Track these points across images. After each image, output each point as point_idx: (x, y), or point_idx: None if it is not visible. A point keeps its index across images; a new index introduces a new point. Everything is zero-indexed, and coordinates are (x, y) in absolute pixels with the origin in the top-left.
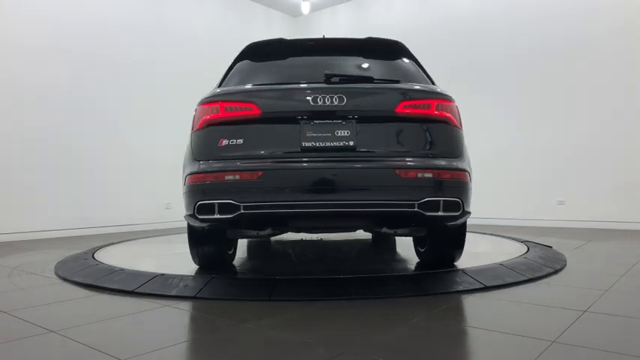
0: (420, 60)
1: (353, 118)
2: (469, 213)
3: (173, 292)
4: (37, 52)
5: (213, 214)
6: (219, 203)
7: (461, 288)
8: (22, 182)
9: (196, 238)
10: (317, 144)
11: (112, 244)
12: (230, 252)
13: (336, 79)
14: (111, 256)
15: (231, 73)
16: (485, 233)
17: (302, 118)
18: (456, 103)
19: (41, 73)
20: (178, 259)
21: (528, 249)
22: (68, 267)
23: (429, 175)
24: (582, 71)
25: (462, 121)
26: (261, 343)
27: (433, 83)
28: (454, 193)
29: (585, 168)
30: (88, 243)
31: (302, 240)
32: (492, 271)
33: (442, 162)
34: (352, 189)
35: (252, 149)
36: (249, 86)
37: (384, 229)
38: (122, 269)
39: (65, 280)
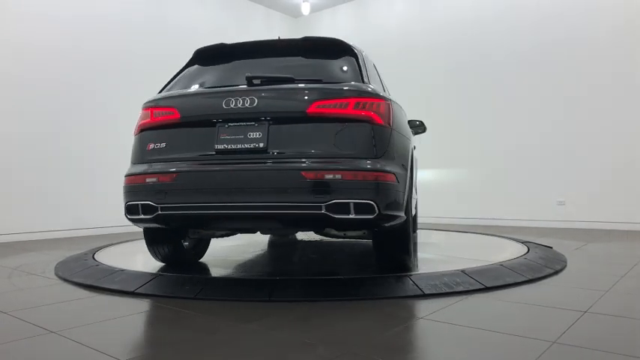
0: (366, 57)
1: (265, 120)
2: (399, 217)
3: (173, 293)
4: (38, 51)
5: (138, 214)
6: (141, 204)
7: (461, 288)
8: (22, 182)
9: (149, 237)
10: (230, 146)
11: (113, 244)
12: (194, 249)
13: (257, 81)
14: (111, 257)
15: (177, 78)
16: (485, 234)
17: (217, 121)
18: (390, 101)
19: (41, 72)
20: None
21: (528, 249)
22: (68, 267)
23: (337, 176)
24: (582, 72)
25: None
26: (261, 344)
27: (367, 82)
28: (366, 195)
29: (585, 168)
30: (88, 243)
31: (302, 241)
32: (493, 271)
33: (355, 163)
34: (259, 191)
35: (172, 152)
36: (173, 92)
37: (333, 231)
38: (122, 270)
39: (65, 280)
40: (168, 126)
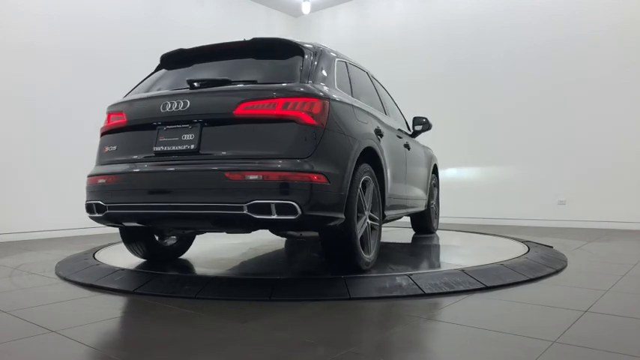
0: (324, 57)
1: (198, 122)
2: (333, 218)
3: (173, 293)
4: (37, 51)
5: (93, 212)
6: (94, 203)
7: (461, 288)
8: (22, 182)
9: (123, 235)
10: (166, 148)
11: (113, 244)
12: (175, 245)
13: (197, 85)
14: (111, 256)
15: (141, 83)
16: (486, 233)
17: (157, 125)
18: (328, 101)
19: (41, 72)
20: (178, 260)
21: (529, 249)
22: (69, 267)
23: (257, 177)
24: (583, 71)
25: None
26: (261, 343)
27: (311, 82)
28: (287, 195)
29: (586, 168)
30: (88, 243)
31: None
32: (493, 271)
33: (277, 163)
34: (188, 191)
35: (120, 155)
36: (125, 97)
37: (291, 232)
38: (122, 269)
39: (66, 280)
40: (119, 130)
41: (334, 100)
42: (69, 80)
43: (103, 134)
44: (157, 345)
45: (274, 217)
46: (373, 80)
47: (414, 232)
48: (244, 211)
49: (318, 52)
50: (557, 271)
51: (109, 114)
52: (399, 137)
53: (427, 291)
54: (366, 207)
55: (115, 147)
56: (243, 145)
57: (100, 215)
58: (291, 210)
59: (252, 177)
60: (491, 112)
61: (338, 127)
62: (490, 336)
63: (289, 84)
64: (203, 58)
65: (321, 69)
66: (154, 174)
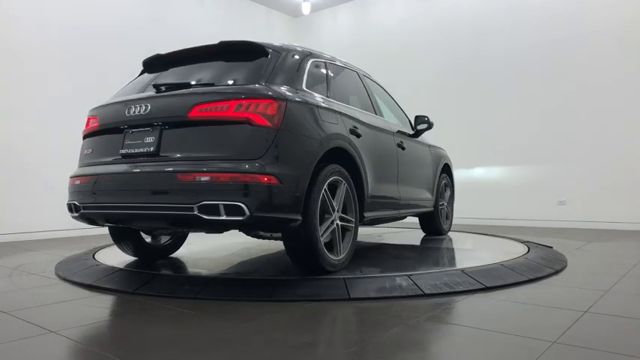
0: (288, 57)
1: (158, 125)
2: (288, 219)
3: (173, 293)
4: (38, 52)
5: (72, 212)
6: (72, 204)
7: (461, 288)
8: (22, 182)
9: (111, 235)
10: (130, 151)
11: (113, 244)
12: (164, 244)
13: (161, 89)
14: (111, 257)
15: (123, 88)
16: (485, 234)
17: (124, 128)
18: (287, 102)
19: (41, 73)
20: (178, 260)
21: (529, 249)
22: (68, 267)
23: (207, 178)
24: (583, 71)
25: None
26: (261, 343)
27: (269, 83)
28: (234, 196)
29: (586, 168)
30: (88, 243)
31: None
32: (493, 271)
33: (227, 164)
34: (146, 192)
35: (94, 157)
36: (102, 102)
37: (261, 233)
38: (122, 269)
39: (65, 280)
40: (94, 133)
41: (292, 100)
42: (69, 81)
43: (83, 137)
44: (156, 345)
45: (223, 217)
46: (365, 80)
47: (424, 234)
48: (194, 212)
49: (286, 53)
50: (557, 272)
51: (88, 118)
52: (391, 137)
53: (427, 291)
54: (334, 208)
55: (91, 150)
56: (198, 147)
57: (77, 215)
58: (239, 211)
59: (202, 178)
60: (491, 112)
61: (295, 127)
62: (490, 336)
63: (243, 86)
64: (178, 62)
65: (286, 70)
66: (118, 176)
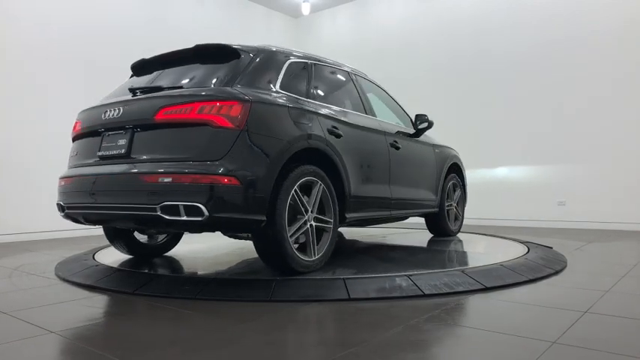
0: (254, 59)
1: (130, 128)
2: (251, 220)
3: (173, 293)
4: (38, 52)
5: (60, 211)
6: (58, 203)
7: (461, 289)
8: (22, 182)
9: (105, 234)
10: (106, 153)
11: (117, 249)
12: (158, 243)
13: (137, 92)
14: (111, 257)
15: (112, 91)
16: (485, 234)
17: (102, 131)
18: (251, 103)
19: (42, 73)
20: (178, 260)
21: (529, 250)
22: (68, 268)
23: (169, 179)
24: (582, 72)
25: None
26: (261, 343)
27: (237, 84)
28: (193, 197)
29: (586, 168)
30: (88, 244)
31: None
32: (493, 271)
33: (187, 166)
34: (116, 193)
35: (78, 159)
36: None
37: (239, 234)
38: (122, 270)
39: (65, 281)
40: (79, 136)
41: (258, 101)
42: (69, 81)
43: (72, 140)
44: (156, 345)
45: (184, 218)
46: (357, 79)
47: (431, 235)
48: (157, 213)
49: (260, 55)
50: (556, 272)
51: (76, 122)
52: (382, 137)
53: (427, 292)
54: (308, 209)
55: (76, 152)
56: (164, 148)
57: (63, 214)
58: (197, 212)
59: (164, 180)
60: (491, 112)
61: (259, 128)
62: (490, 336)
63: (208, 88)
64: (160, 66)
65: (258, 71)
66: (94, 177)
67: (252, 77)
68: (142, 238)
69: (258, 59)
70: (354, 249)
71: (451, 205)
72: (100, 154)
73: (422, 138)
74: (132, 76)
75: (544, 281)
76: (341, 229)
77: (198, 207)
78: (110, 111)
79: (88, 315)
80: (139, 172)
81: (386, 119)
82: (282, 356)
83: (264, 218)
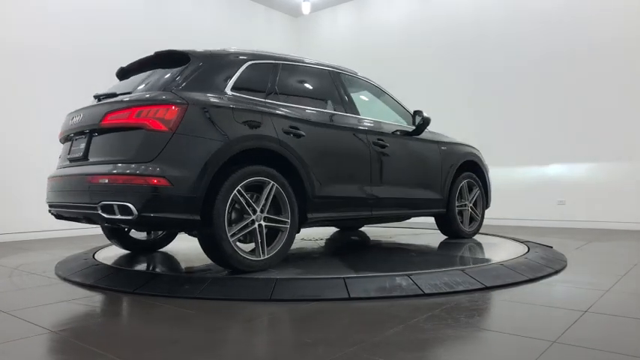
0: (204, 63)
1: (87, 133)
2: (180, 220)
3: (173, 292)
4: (39, 52)
5: (48, 209)
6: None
7: (461, 288)
8: (22, 182)
9: (102, 230)
10: (73, 156)
11: (112, 244)
12: (154, 239)
13: (101, 98)
14: (111, 257)
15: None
16: (485, 233)
17: (72, 136)
18: (187, 106)
19: (42, 73)
20: (178, 260)
21: (529, 249)
22: (68, 267)
23: (106, 180)
24: (583, 72)
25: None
26: (261, 343)
27: (182, 88)
28: (124, 197)
29: (586, 168)
30: (88, 243)
31: (302, 240)
32: (493, 271)
33: (122, 167)
34: (71, 193)
35: (59, 161)
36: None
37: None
38: (122, 269)
39: (65, 280)
40: (61, 140)
41: (196, 104)
42: (69, 81)
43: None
44: (156, 345)
45: (118, 217)
46: (338, 78)
47: (444, 237)
48: (98, 211)
49: (211, 59)
50: (557, 272)
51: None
52: (363, 135)
53: (427, 291)
54: (256, 209)
55: (60, 154)
56: (109, 151)
57: (49, 211)
58: (128, 211)
59: (103, 180)
60: (491, 112)
61: (194, 130)
62: (490, 336)
63: (149, 93)
64: (132, 73)
65: (206, 74)
66: (63, 178)
67: (198, 80)
68: (140, 235)
69: (208, 63)
70: (356, 249)
71: (465, 205)
72: (69, 156)
73: (425, 135)
74: (118, 82)
75: (544, 281)
76: (364, 229)
77: (128, 206)
78: (75, 117)
79: (88, 314)
80: (87, 173)
81: (384, 118)
82: (282, 356)
83: (198, 218)
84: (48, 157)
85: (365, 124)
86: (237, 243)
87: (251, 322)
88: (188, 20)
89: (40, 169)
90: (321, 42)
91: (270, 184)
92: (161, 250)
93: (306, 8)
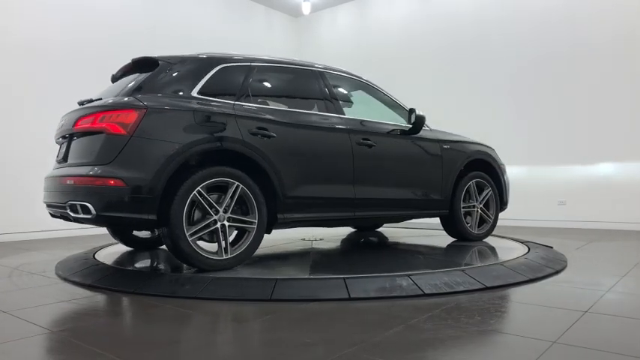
0: (172, 68)
1: (67, 137)
2: (135, 218)
3: (173, 292)
4: (39, 52)
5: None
6: None
7: (461, 288)
8: (22, 182)
9: (107, 227)
10: (59, 158)
11: (113, 244)
12: (152, 237)
13: (82, 104)
14: (111, 256)
15: None
16: None
17: (59, 139)
18: (146, 110)
19: (42, 73)
20: (178, 260)
21: (529, 249)
22: (68, 267)
23: (72, 182)
24: (583, 71)
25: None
26: (261, 344)
27: (146, 93)
28: (84, 197)
29: (586, 168)
30: (88, 243)
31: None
32: (493, 271)
33: (84, 169)
34: (53, 193)
35: (54, 163)
36: None
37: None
38: (122, 269)
39: (66, 280)
40: (56, 142)
41: (156, 108)
42: (69, 81)
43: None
44: (156, 345)
45: (81, 215)
46: (324, 78)
47: (453, 239)
48: (67, 210)
49: (180, 64)
50: (557, 272)
51: None
52: (345, 134)
53: (427, 291)
54: (219, 209)
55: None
56: (79, 154)
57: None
58: (87, 210)
59: (70, 182)
60: (491, 111)
61: (151, 133)
62: (490, 336)
63: (111, 98)
64: (119, 79)
65: (172, 79)
66: (49, 178)
67: (164, 85)
68: (143, 233)
69: (177, 68)
70: (357, 249)
71: (474, 206)
72: (57, 158)
73: (424, 134)
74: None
75: (544, 281)
76: (381, 230)
77: (87, 206)
78: (62, 121)
79: (88, 314)
80: (62, 175)
81: (382, 117)
82: (283, 356)
83: (154, 218)
84: (48, 157)
85: (348, 123)
86: (200, 242)
87: (251, 322)
88: (188, 20)
89: (40, 169)
90: (321, 42)
91: (235, 185)
92: (162, 247)
93: (306, 8)
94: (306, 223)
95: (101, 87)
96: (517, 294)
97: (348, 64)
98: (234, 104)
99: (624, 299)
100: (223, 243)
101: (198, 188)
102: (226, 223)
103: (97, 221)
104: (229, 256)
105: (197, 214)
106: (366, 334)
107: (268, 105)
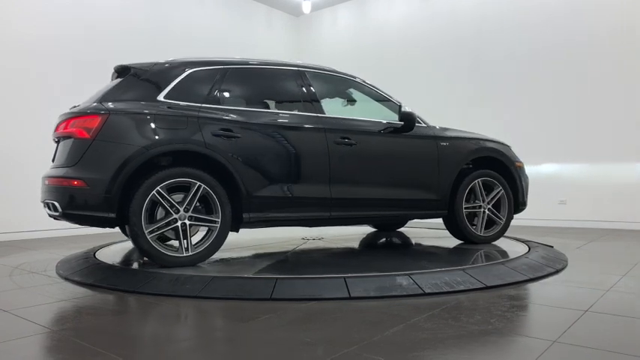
0: (143, 74)
1: (57, 140)
2: (95, 217)
3: (174, 292)
4: (38, 52)
5: None
6: None
7: (462, 287)
8: (22, 181)
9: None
10: (52, 159)
11: (114, 243)
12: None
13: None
14: (112, 255)
15: None
16: None
17: (55, 140)
18: (109, 114)
19: (42, 73)
20: None
21: (529, 249)
22: (69, 266)
23: (47, 182)
24: (583, 71)
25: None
26: (261, 343)
27: (113, 98)
28: (52, 196)
29: (586, 168)
30: (88, 242)
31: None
32: (494, 270)
33: (57, 171)
34: (41, 192)
35: None
36: None
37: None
38: (123, 268)
39: (66, 279)
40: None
41: (117, 113)
42: (69, 82)
43: None
44: (157, 344)
45: (52, 212)
46: (306, 78)
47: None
48: (45, 207)
49: (149, 70)
50: (557, 271)
51: None
52: (321, 134)
53: (427, 290)
54: (179, 208)
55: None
56: (59, 157)
57: None
58: (54, 208)
59: (47, 182)
60: (491, 112)
61: (112, 137)
62: (490, 336)
63: (84, 104)
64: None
65: (139, 85)
66: (44, 178)
67: (131, 91)
68: None
69: (146, 75)
70: (358, 248)
71: (480, 207)
72: (53, 159)
73: (418, 131)
74: None
75: (545, 280)
76: (402, 231)
77: (54, 204)
78: (55, 125)
79: (89, 313)
80: (45, 175)
81: (378, 116)
82: (283, 355)
83: (114, 216)
84: (48, 157)
85: (326, 122)
86: (158, 239)
87: (251, 321)
88: (188, 19)
89: (41, 168)
90: (321, 41)
91: (197, 185)
92: None
93: (306, 7)
94: (275, 222)
95: (99, 86)
96: (517, 293)
97: (348, 63)
98: (200, 107)
99: (625, 298)
100: (185, 241)
101: (158, 188)
102: (187, 222)
103: (63, 218)
104: (190, 254)
105: (160, 213)
106: (366, 334)
107: (242, 107)
